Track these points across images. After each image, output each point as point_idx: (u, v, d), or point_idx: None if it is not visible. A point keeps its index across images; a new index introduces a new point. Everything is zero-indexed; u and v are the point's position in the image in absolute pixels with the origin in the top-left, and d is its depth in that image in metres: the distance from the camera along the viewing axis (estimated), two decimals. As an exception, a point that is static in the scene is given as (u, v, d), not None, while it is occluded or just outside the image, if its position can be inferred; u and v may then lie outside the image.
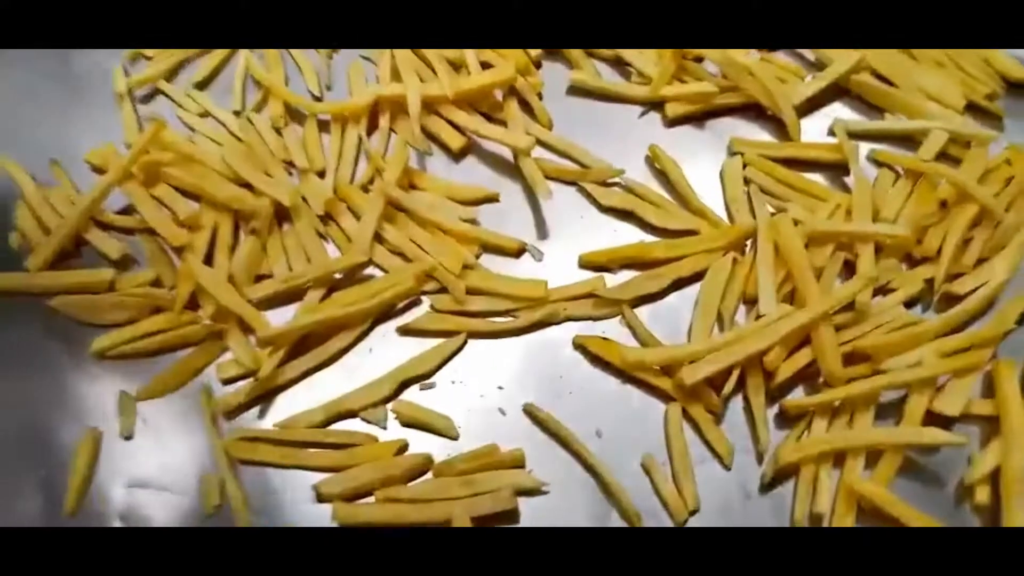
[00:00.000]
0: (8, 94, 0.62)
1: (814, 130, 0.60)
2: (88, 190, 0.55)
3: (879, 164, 0.58)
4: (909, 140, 0.59)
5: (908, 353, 0.49)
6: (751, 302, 0.52)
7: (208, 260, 0.53)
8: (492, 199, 0.57)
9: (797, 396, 0.49)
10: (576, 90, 0.62)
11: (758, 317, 0.50)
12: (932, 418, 0.47)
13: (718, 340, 0.48)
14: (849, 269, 0.53)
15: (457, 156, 0.59)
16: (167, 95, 0.62)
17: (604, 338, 0.51)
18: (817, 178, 0.58)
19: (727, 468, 0.47)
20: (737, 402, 0.49)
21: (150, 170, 0.56)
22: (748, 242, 0.54)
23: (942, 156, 0.57)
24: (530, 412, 0.49)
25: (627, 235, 0.56)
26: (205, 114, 0.61)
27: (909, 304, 0.52)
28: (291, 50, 0.64)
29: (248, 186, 0.56)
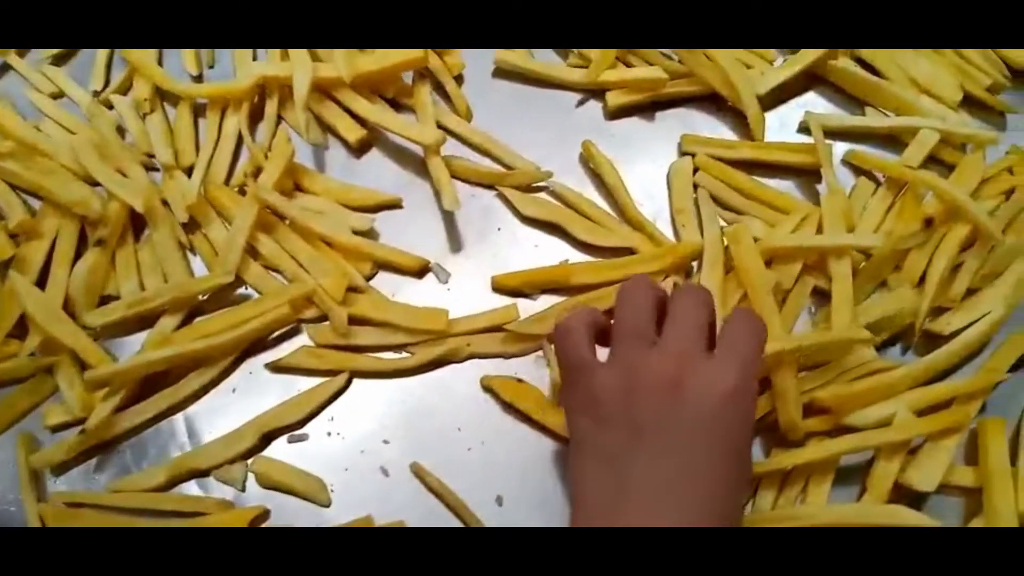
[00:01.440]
0: None
1: (782, 126, 0.51)
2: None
3: (857, 170, 0.49)
4: (894, 140, 0.50)
5: (878, 406, 0.40)
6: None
7: (45, 274, 0.44)
8: (394, 205, 0.48)
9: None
10: (503, 72, 0.53)
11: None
12: (902, 489, 0.39)
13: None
14: (819, 298, 0.44)
15: (357, 151, 0.50)
16: (15, 69, 0.52)
17: (518, 380, 0.42)
18: (783, 185, 0.49)
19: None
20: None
21: (-15, 166, 0.46)
22: (694, 265, 0.46)
23: (931, 160, 0.48)
24: (417, 473, 0.40)
25: (551, 252, 0.47)
26: (59, 95, 0.51)
27: (883, 345, 0.43)
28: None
29: (101, 185, 0.46)
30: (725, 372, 0.31)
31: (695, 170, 0.48)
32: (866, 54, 0.52)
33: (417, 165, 0.49)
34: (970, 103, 0.51)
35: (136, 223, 0.46)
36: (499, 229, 0.48)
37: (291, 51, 0.49)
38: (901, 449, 0.39)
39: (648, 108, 0.52)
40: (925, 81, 0.51)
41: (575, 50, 0.52)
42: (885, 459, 0.39)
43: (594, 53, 0.51)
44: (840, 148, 0.50)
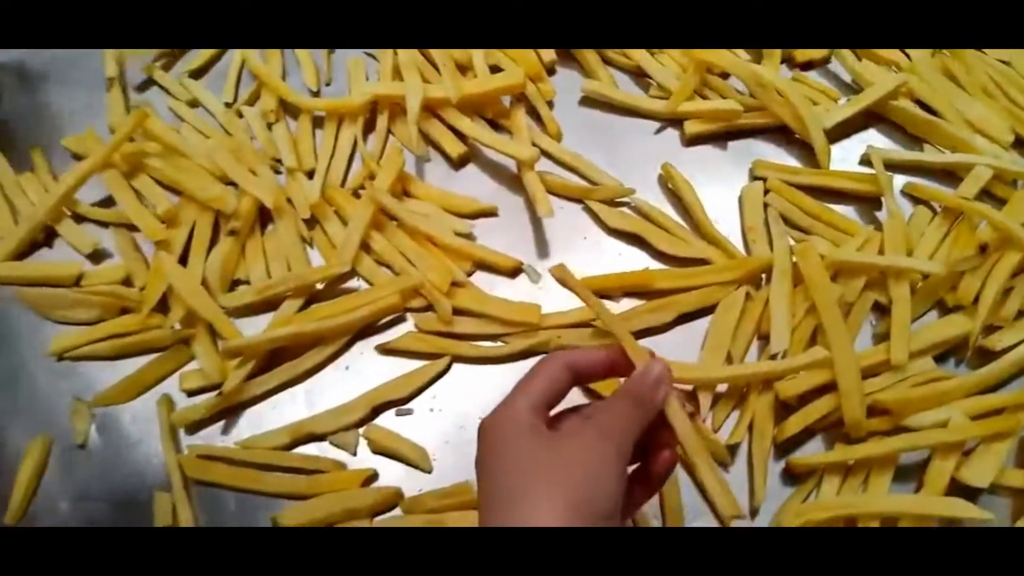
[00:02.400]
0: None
1: (844, 158, 0.56)
2: (64, 175, 0.52)
3: (914, 200, 0.53)
4: (949, 175, 0.54)
5: (934, 411, 0.44)
6: (764, 339, 0.48)
7: (183, 261, 0.50)
8: (490, 213, 0.53)
9: (807, 452, 0.45)
10: (590, 101, 0.58)
11: (771, 357, 0.46)
12: (957, 487, 0.42)
13: (748, 365, 0.46)
14: (878, 312, 0.48)
15: (457, 164, 0.55)
16: (157, 83, 0.58)
17: (600, 372, 0.47)
18: (845, 211, 0.53)
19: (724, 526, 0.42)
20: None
21: (132, 160, 0.52)
22: (762, 278, 0.50)
23: (985, 194, 0.52)
24: None
25: (633, 260, 0.52)
26: (196, 104, 0.57)
27: (939, 357, 0.47)
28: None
29: (233, 183, 0.52)
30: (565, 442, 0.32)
31: (765, 192, 0.53)
32: (925, 96, 0.56)
33: (509, 180, 0.55)
34: (1020, 144, 0.55)
35: (261, 217, 0.52)
36: (585, 238, 0.52)
37: (404, 73, 0.55)
38: (956, 449, 0.43)
39: (721, 137, 0.57)
40: (979, 122, 0.55)
41: (656, 82, 0.58)
42: (941, 458, 0.43)
43: (675, 85, 0.56)
44: (898, 180, 0.54)
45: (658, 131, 0.57)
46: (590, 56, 0.59)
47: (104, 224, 0.52)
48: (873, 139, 0.57)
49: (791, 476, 0.44)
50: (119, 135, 0.51)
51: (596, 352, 0.36)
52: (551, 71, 0.59)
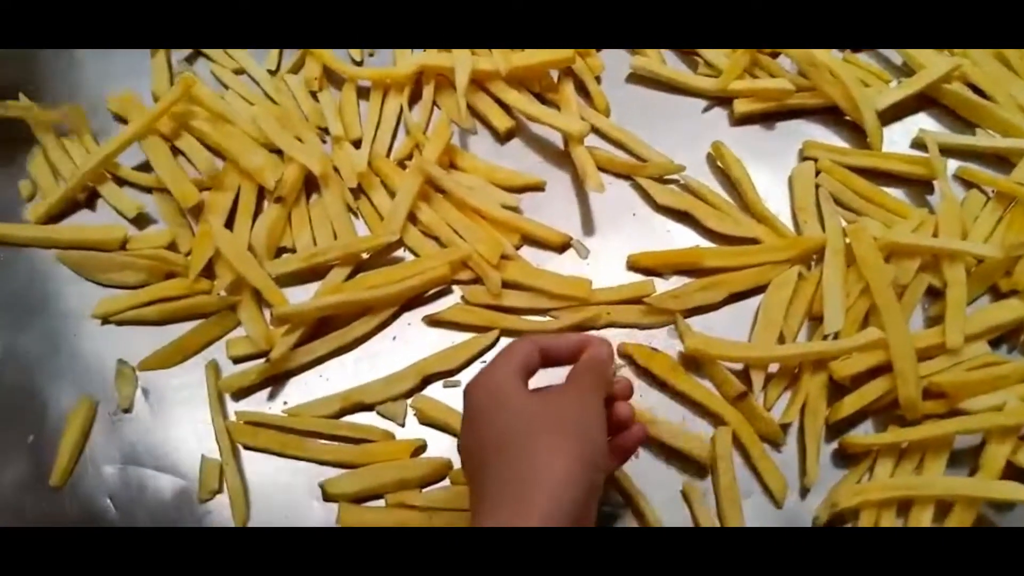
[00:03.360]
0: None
1: (895, 141, 0.55)
2: (107, 141, 0.51)
3: (967, 184, 0.53)
4: (1001, 160, 0.53)
5: (989, 395, 0.44)
6: (815, 320, 0.47)
7: (228, 227, 0.49)
8: (537, 187, 0.53)
9: (860, 433, 0.44)
10: (638, 77, 0.57)
11: (824, 338, 0.45)
12: (1012, 471, 0.42)
13: (802, 345, 0.45)
14: (931, 296, 0.48)
15: (503, 138, 0.55)
16: (203, 53, 0.58)
17: (652, 349, 0.46)
18: (896, 193, 0.52)
19: (778, 506, 0.42)
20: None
21: (179, 120, 0.52)
22: (814, 258, 0.49)
23: (1038, 180, 0.52)
24: None
25: (682, 238, 0.51)
26: (240, 71, 0.57)
27: (993, 343, 0.46)
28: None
29: (278, 151, 0.52)
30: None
31: (816, 173, 0.52)
32: (977, 79, 0.55)
33: (555, 155, 0.54)
34: (1074, 131, 0.55)
35: (307, 186, 0.52)
36: (634, 215, 0.52)
37: (452, 44, 0.55)
38: (1012, 433, 0.42)
39: (770, 117, 0.56)
40: (1033, 107, 0.54)
41: (704, 59, 0.57)
42: (997, 442, 0.42)
43: (724, 63, 0.56)
44: (949, 165, 0.53)
45: (706, 109, 0.57)
46: (638, 32, 0.58)
47: (147, 189, 0.52)
48: (923, 122, 0.56)
49: (842, 458, 0.44)
50: (165, 101, 0.51)
51: (564, 338, 0.38)
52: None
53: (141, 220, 0.51)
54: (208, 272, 0.48)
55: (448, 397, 0.45)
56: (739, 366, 0.46)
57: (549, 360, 0.37)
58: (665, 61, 0.58)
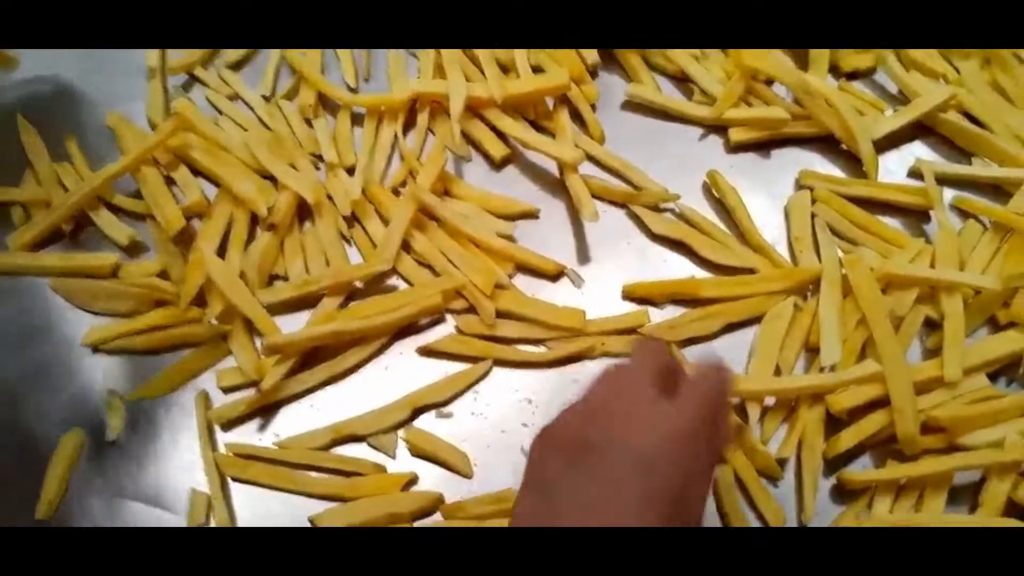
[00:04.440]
0: (33, 62, 0.58)
1: (891, 170, 0.55)
2: (101, 168, 0.51)
3: (964, 214, 0.52)
4: (998, 189, 0.53)
5: (989, 430, 0.43)
6: (812, 351, 0.47)
7: (220, 255, 0.49)
8: (531, 215, 0.52)
9: (857, 468, 0.44)
10: (633, 105, 0.57)
11: (821, 370, 0.45)
12: (1013, 508, 0.42)
13: (799, 378, 0.45)
14: (929, 328, 0.47)
15: (498, 165, 0.55)
16: (197, 78, 0.57)
17: (645, 381, 0.46)
18: (893, 223, 0.52)
19: (774, 543, 0.41)
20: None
21: (173, 153, 0.52)
22: (810, 288, 0.49)
23: (1036, 210, 0.52)
24: None
25: (677, 267, 0.51)
26: (234, 97, 0.57)
27: (992, 375, 0.46)
28: (332, 37, 0.60)
29: (271, 177, 0.52)
30: (673, 414, 0.31)
31: (812, 202, 0.52)
32: (974, 109, 0.55)
33: (549, 183, 0.54)
34: (1071, 161, 0.54)
35: (300, 214, 0.51)
36: (628, 243, 0.52)
37: (447, 71, 0.55)
38: (1012, 470, 0.42)
39: (765, 145, 0.56)
40: (1030, 137, 0.54)
41: (700, 87, 0.57)
42: (997, 478, 0.42)
43: (719, 90, 0.56)
44: (945, 194, 0.53)
45: (701, 137, 0.56)
46: (633, 59, 0.58)
47: (139, 216, 0.51)
48: (920, 151, 0.56)
49: (840, 493, 0.43)
50: (160, 134, 0.51)
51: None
52: (594, 73, 0.58)
53: (134, 248, 0.50)
54: (200, 301, 0.48)
55: (440, 428, 0.45)
56: (735, 399, 0.45)
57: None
58: (660, 89, 0.58)
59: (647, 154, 0.55)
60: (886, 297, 0.47)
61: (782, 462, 0.44)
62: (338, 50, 0.59)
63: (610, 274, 0.50)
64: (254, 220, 0.51)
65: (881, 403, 0.44)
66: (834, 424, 0.44)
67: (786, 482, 0.44)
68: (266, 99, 0.57)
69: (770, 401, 0.45)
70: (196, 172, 0.52)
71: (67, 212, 0.50)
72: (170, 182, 0.52)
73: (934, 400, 0.44)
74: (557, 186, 0.54)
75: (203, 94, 0.57)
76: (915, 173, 0.54)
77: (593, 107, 0.57)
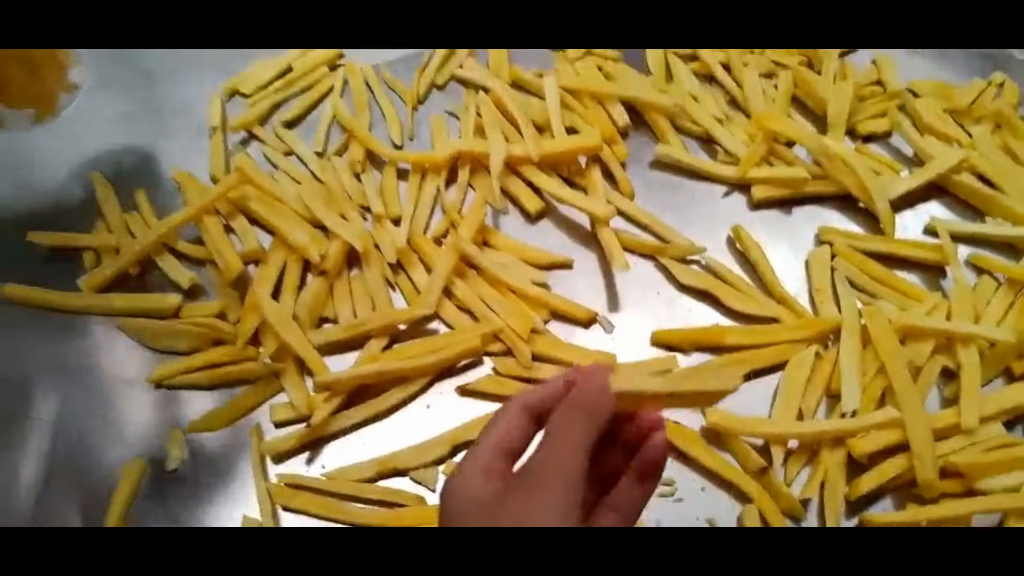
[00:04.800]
0: (101, 119, 0.63)
1: (906, 227, 0.58)
2: (165, 218, 0.55)
3: (978, 270, 0.55)
4: (1010, 247, 0.56)
5: (1006, 476, 0.45)
6: (833, 398, 0.49)
7: (274, 299, 0.53)
8: (565, 265, 0.56)
9: (877, 511, 0.45)
10: (660, 164, 0.61)
11: (842, 415, 0.47)
12: (1031, 553, 0.43)
13: (821, 423, 0.47)
14: (946, 377, 0.50)
15: (533, 218, 0.58)
16: (255, 136, 0.62)
17: (675, 422, 0.48)
18: (909, 278, 0.55)
19: (799, 581, 0.43)
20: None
21: (233, 204, 0.56)
22: (831, 338, 0.51)
23: (1047, 267, 0.54)
24: None
25: (703, 316, 0.53)
26: (289, 153, 0.61)
27: (1007, 425, 0.48)
28: (377, 99, 0.64)
29: (322, 227, 0.55)
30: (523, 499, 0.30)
31: (832, 257, 0.55)
32: (987, 171, 0.58)
33: (581, 236, 0.57)
34: (1081, 221, 0.57)
35: (348, 261, 0.55)
36: (657, 293, 0.55)
37: (488, 131, 0.59)
38: (1029, 514, 0.43)
39: (786, 203, 0.59)
40: (1039, 198, 0.57)
41: (724, 148, 0.61)
42: (1014, 521, 0.43)
43: (742, 151, 0.59)
44: (961, 251, 0.56)
45: (725, 195, 0.60)
46: (661, 122, 0.62)
47: (198, 262, 0.55)
48: (934, 210, 0.59)
49: (862, 534, 0.45)
50: (221, 187, 0.55)
51: (550, 384, 0.33)
52: (624, 134, 0.62)
53: (194, 291, 0.54)
54: (255, 340, 0.51)
55: (478, 465, 0.47)
56: (759, 441, 0.47)
57: (543, 414, 0.32)
58: (687, 149, 0.61)
59: (674, 210, 0.58)
60: (904, 348, 0.49)
61: (805, 503, 0.45)
62: (385, 110, 0.63)
63: (639, 322, 0.53)
64: (306, 266, 0.54)
65: (901, 448, 0.46)
66: (855, 468, 0.46)
67: (808, 523, 0.45)
68: (319, 155, 0.61)
69: (793, 444, 0.47)
70: (253, 221, 0.56)
71: (135, 257, 0.54)
72: (228, 230, 0.56)
73: (952, 446, 0.46)
74: (589, 239, 0.57)
75: (260, 150, 0.61)
76: (930, 231, 0.57)
77: (623, 165, 0.60)
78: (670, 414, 0.49)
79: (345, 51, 0.67)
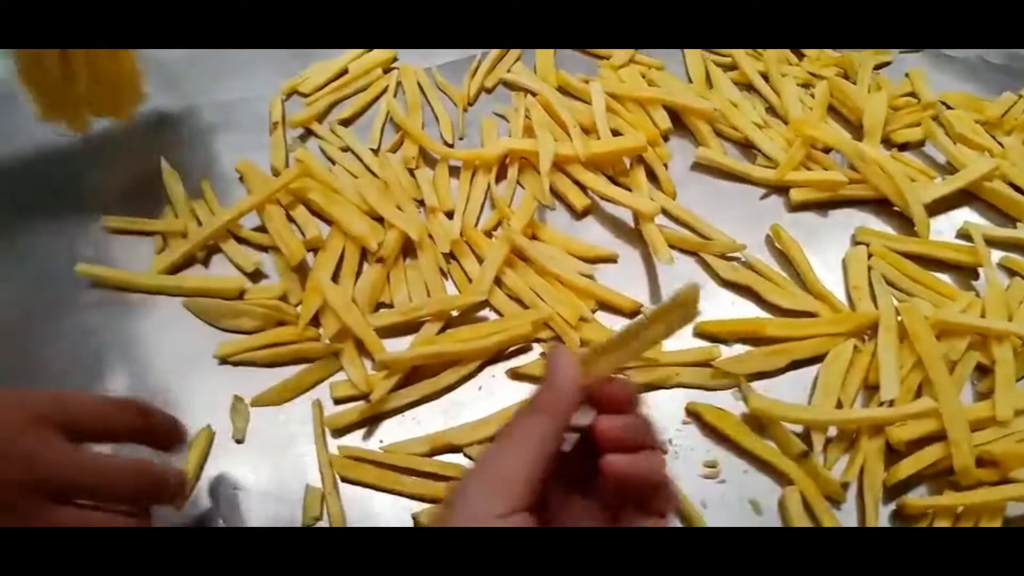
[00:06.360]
0: (170, 113, 0.66)
1: (940, 231, 0.60)
2: (231, 205, 0.58)
3: (1010, 272, 0.57)
4: (1042, 252, 0.58)
5: (1040, 465, 0.46)
6: (871, 389, 0.51)
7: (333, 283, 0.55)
8: (610, 259, 0.58)
9: (916, 496, 0.47)
10: (700, 166, 0.64)
11: (879, 405, 0.49)
12: (1065, 539, 0.44)
13: (861, 411, 0.48)
14: (979, 373, 0.51)
15: (579, 215, 0.61)
16: (313, 132, 0.65)
17: (719, 408, 0.50)
18: (943, 278, 0.57)
19: (840, 559, 0.45)
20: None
21: (293, 195, 0.59)
22: (868, 333, 0.53)
23: (1078, 271, 0.56)
24: None
25: (744, 310, 0.55)
26: (346, 148, 0.64)
27: (1042, 417, 0.49)
28: (429, 99, 0.67)
29: (378, 218, 0.58)
30: None
31: (868, 256, 0.57)
32: (1018, 178, 0.60)
33: (625, 233, 0.60)
34: (1111, 228, 0.59)
35: (403, 250, 0.57)
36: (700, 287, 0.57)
37: (537, 131, 0.62)
38: (1063, 502, 0.45)
39: (823, 206, 0.61)
40: (1071, 204, 0.59)
41: (762, 152, 0.63)
42: (1049, 509, 0.45)
43: (781, 156, 0.62)
44: (993, 254, 0.58)
45: (762, 197, 0.62)
46: (703, 127, 0.64)
47: (261, 247, 0.58)
48: (967, 216, 0.61)
49: (900, 518, 0.47)
50: (284, 179, 0.58)
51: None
52: (665, 137, 0.65)
53: (256, 275, 0.57)
54: (315, 322, 0.53)
55: (529, 444, 0.49)
56: (799, 428, 0.49)
57: None
58: (726, 152, 0.64)
59: (713, 210, 0.61)
60: (939, 343, 0.51)
61: (844, 487, 0.47)
62: (437, 110, 0.66)
63: (682, 314, 0.55)
64: (362, 254, 0.57)
65: (938, 437, 0.47)
66: (892, 456, 0.48)
67: (847, 506, 0.47)
68: (373, 152, 0.64)
69: (832, 432, 0.49)
70: (311, 212, 0.59)
71: (203, 241, 0.57)
72: (288, 219, 0.59)
73: (987, 437, 0.48)
74: (632, 236, 0.59)
75: (317, 145, 0.64)
76: (963, 235, 0.59)
77: (665, 167, 0.63)
78: (709, 398, 0.51)
79: (398, 55, 0.70)
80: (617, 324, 0.55)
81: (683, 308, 0.33)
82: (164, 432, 0.41)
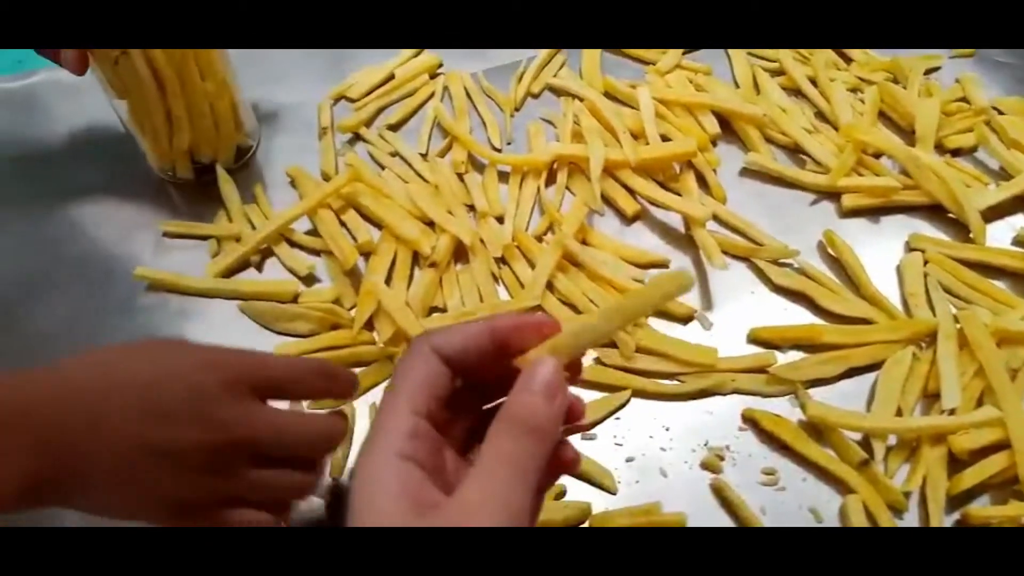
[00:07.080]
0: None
1: (996, 238, 0.59)
2: (284, 210, 0.59)
3: (1069, 279, 0.56)
4: (1101, 259, 0.57)
5: (1107, 477, 0.46)
6: (930, 397, 0.50)
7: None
8: (662, 264, 0.58)
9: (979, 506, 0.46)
10: (749, 172, 0.63)
11: (941, 413, 0.48)
12: None
13: (922, 419, 0.48)
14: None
15: (629, 220, 0.61)
16: (361, 137, 0.66)
17: (776, 415, 0.50)
18: (1001, 285, 0.56)
19: (905, 569, 0.44)
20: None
21: (344, 199, 0.59)
22: (926, 340, 0.53)
23: None
24: (706, 466, 0.48)
25: (797, 316, 0.55)
26: (394, 154, 0.64)
27: (1108, 425, 0.49)
28: (475, 105, 0.68)
29: (428, 223, 0.58)
30: None
31: (924, 263, 0.56)
32: (1075, 185, 0.60)
33: (675, 238, 0.60)
34: None
35: (454, 255, 0.58)
36: (752, 293, 0.56)
37: (587, 137, 0.62)
38: None
39: (875, 212, 0.61)
40: None
41: (812, 157, 0.63)
42: (1118, 521, 0.44)
43: (832, 161, 0.61)
44: (1050, 261, 0.57)
45: (813, 203, 0.62)
46: (751, 132, 0.64)
47: (315, 252, 0.59)
48: (1021, 223, 0.60)
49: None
50: (335, 184, 0.58)
51: (470, 330, 0.29)
52: (714, 143, 0.65)
53: (309, 279, 0.57)
54: (369, 326, 0.54)
55: (584, 449, 0.49)
56: (857, 436, 0.49)
57: (459, 367, 0.29)
58: (775, 158, 0.64)
59: (763, 216, 0.60)
60: (1000, 351, 0.50)
61: (906, 496, 0.47)
62: (485, 116, 0.66)
63: (734, 320, 0.55)
64: (413, 259, 0.57)
65: (1001, 447, 0.47)
66: (955, 465, 0.47)
67: (909, 515, 0.46)
68: (422, 156, 0.64)
69: (891, 441, 0.48)
70: (362, 216, 0.60)
71: (257, 245, 0.57)
72: (339, 224, 0.59)
73: (1052, 446, 0.47)
74: (682, 241, 0.59)
75: (366, 150, 0.65)
76: (1020, 242, 0.58)
77: (715, 171, 0.63)
78: (765, 404, 0.50)
79: (444, 60, 0.71)
80: (669, 330, 0.54)
81: (663, 293, 0.31)
82: (345, 390, 0.41)
